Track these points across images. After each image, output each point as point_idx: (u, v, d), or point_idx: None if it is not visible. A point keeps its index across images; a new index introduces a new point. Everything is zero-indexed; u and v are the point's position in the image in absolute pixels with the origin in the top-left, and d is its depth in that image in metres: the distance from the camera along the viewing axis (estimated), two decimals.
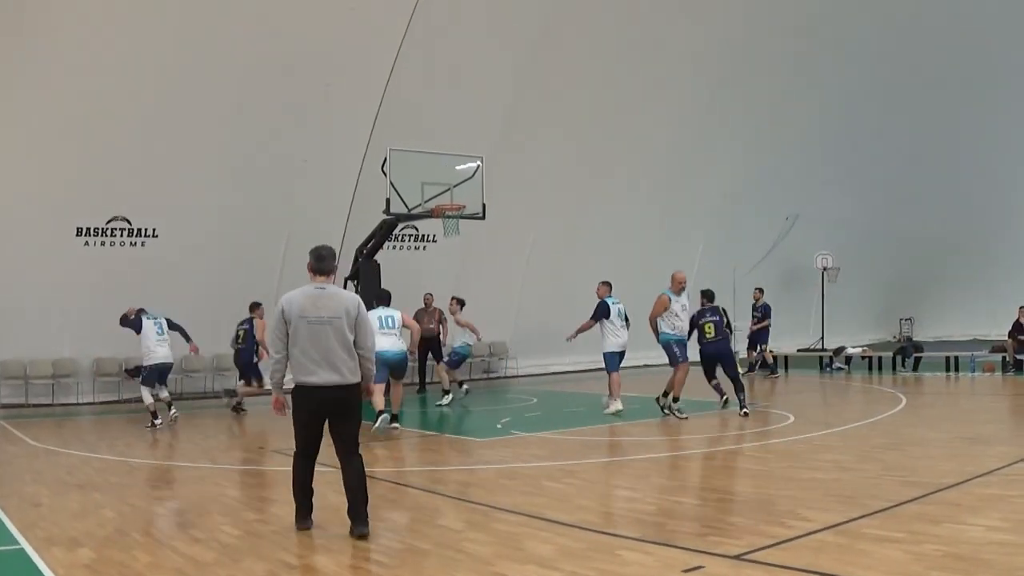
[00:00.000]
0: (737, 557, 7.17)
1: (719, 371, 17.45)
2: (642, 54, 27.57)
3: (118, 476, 11.93)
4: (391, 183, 21.78)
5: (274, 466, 12.67)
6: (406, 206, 22.16)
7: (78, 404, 22.09)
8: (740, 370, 18.12)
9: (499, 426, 16.44)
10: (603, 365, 17.71)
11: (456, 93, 24.91)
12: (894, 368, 26.80)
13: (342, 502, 9.87)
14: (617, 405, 17.27)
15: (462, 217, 22.37)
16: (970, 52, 32.01)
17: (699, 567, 6.95)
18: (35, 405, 21.53)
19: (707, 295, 17.94)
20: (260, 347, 19.76)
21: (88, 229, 21.97)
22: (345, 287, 24.22)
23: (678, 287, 16.96)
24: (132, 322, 18.00)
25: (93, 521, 9.12)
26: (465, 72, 24.87)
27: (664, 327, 16.95)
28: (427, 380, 24.17)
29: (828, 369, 27.72)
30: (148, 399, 17.70)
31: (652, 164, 29.69)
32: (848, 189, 34.49)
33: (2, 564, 7.80)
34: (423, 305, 22.94)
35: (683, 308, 16.97)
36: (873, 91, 32.85)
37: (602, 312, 17.44)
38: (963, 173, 35.36)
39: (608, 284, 18.00)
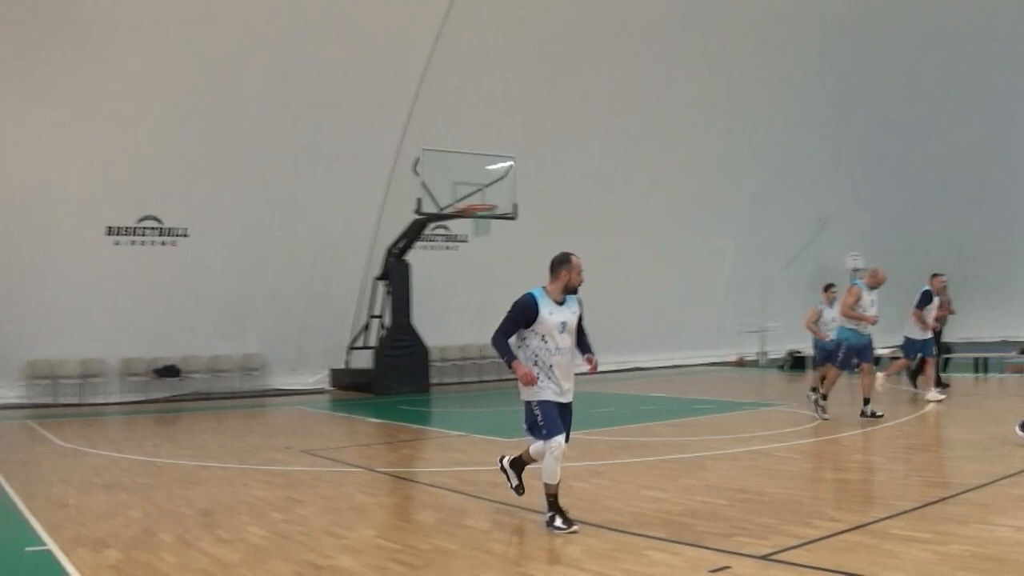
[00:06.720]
0: (764, 557, 7.16)
1: None
2: (667, 59, 27.65)
3: (145, 476, 11.93)
4: (423, 183, 21.88)
5: (301, 466, 12.62)
6: (437, 206, 22.28)
7: (106, 404, 22.10)
8: None
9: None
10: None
11: (487, 94, 24.92)
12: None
13: (369, 502, 9.87)
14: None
15: (493, 217, 22.43)
16: (1000, 54, 32.38)
17: (726, 567, 6.94)
18: (63, 405, 21.56)
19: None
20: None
21: (119, 228, 22.07)
22: (375, 288, 24.38)
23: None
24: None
25: (120, 522, 9.12)
26: (497, 72, 24.87)
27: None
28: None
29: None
30: None
31: (678, 167, 29.67)
32: (879, 189, 34.47)
33: (29, 565, 7.80)
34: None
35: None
36: (898, 92, 32.94)
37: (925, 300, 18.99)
38: (988, 173, 35.46)
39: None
